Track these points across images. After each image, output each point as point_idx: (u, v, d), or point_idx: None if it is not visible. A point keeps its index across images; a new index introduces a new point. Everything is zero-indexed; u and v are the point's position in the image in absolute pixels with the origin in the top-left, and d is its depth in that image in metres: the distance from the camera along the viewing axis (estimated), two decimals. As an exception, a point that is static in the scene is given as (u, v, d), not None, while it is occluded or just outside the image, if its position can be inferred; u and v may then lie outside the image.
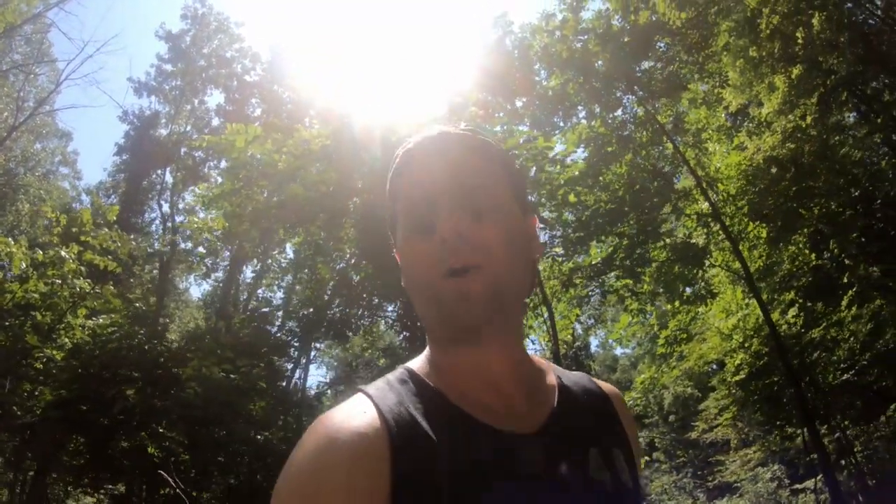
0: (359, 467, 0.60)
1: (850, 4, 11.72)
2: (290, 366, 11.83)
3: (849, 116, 11.06)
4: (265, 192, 9.06)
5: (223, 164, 11.32)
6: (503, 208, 0.74)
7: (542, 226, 8.65)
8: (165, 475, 5.47)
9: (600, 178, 8.62)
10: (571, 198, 7.74)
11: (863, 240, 9.65)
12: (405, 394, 0.70)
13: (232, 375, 9.39)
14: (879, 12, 12.62)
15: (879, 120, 10.59)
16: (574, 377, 0.86)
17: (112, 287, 9.79)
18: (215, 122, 18.04)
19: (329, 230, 9.07)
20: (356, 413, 0.66)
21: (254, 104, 16.82)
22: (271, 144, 8.65)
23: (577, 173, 7.58)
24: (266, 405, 11.17)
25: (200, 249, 11.15)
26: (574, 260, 8.72)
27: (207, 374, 8.91)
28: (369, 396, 0.69)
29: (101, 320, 9.26)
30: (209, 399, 8.77)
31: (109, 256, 9.46)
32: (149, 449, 8.43)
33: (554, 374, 0.83)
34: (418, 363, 0.77)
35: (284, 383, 11.82)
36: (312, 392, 11.74)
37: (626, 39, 8.93)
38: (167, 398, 8.44)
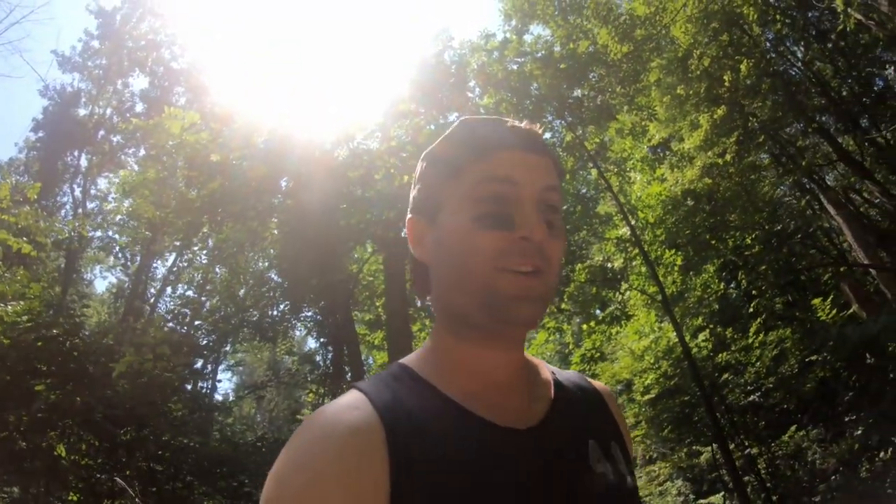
0: (354, 462, 0.59)
1: (773, 54, 12.54)
2: (207, 370, 11.35)
3: (764, 157, 11.79)
4: (191, 184, 8.67)
5: (142, 152, 10.74)
6: (561, 222, 0.76)
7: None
8: (123, 483, 4.98)
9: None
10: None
11: (769, 273, 10.30)
12: (399, 389, 0.70)
13: (168, 374, 8.85)
14: (800, 64, 13.58)
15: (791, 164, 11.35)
16: (567, 374, 0.86)
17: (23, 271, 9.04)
18: (139, 107, 17.14)
19: (255, 228, 8.77)
20: (350, 408, 0.65)
21: (179, 93, 16.12)
22: (207, 134, 8.28)
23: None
24: (184, 408, 10.61)
25: (122, 238, 10.48)
26: None
27: (141, 371, 8.32)
28: (362, 391, 0.68)
29: (10, 308, 8.43)
30: (138, 398, 8.20)
31: (24, 238, 8.71)
32: (56, 450, 7.73)
33: (548, 370, 0.83)
34: (414, 359, 0.76)
35: (202, 387, 11.30)
36: (230, 397, 11.33)
37: (562, 66, 9.16)
38: (88, 395, 7.79)
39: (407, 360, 0.77)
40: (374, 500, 0.59)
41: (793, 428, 9.44)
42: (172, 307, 11.28)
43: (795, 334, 9.86)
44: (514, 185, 0.71)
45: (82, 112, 17.74)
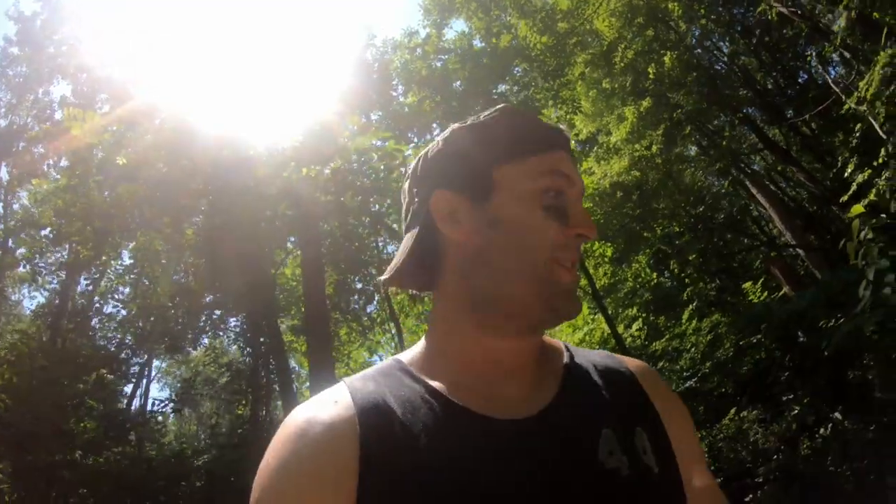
0: (326, 454, 0.61)
1: (699, 50, 12.85)
2: (129, 387, 10.83)
3: (691, 149, 12.04)
4: (106, 193, 8.27)
5: (63, 162, 10.27)
6: None
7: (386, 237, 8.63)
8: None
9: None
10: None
11: (701, 260, 10.45)
12: (386, 383, 0.69)
13: (66, 389, 8.33)
14: (725, 59, 13.95)
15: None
16: (591, 355, 0.81)
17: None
18: (59, 115, 16.39)
19: (171, 235, 8.40)
20: (328, 402, 0.67)
21: (102, 100, 15.42)
22: (110, 136, 7.90)
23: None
24: (97, 426, 10.06)
25: (21, 250, 9.94)
26: None
27: (21, 386, 7.82)
28: (346, 385, 0.69)
29: None
30: (22, 415, 7.70)
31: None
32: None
33: (565, 353, 0.79)
34: (410, 354, 0.75)
35: (124, 404, 10.77)
36: (154, 410, 10.86)
37: (485, 61, 9.11)
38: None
39: (402, 354, 0.76)
40: (342, 496, 0.60)
41: (732, 410, 9.54)
42: (89, 320, 10.73)
43: (729, 318, 10.01)
44: (570, 182, 0.72)
45: (2, 122, 16.87)
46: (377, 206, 8.29)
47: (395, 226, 8.26)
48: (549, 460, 0.63)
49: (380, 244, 9.60)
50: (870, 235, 4.58)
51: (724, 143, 11.70)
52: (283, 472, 0.61)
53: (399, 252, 0.77)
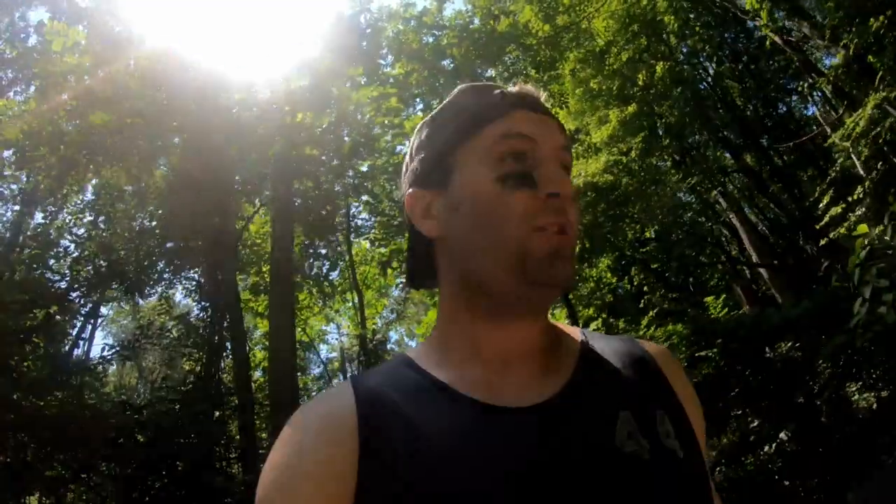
0: (324, 453, 0.61)
1: (686, 66, 13.07)
2: (73, 331, 10.44)
3: (666, 161, 12.26)
4: (76, 122, 7.93)
5: (32, 89, 9.84)
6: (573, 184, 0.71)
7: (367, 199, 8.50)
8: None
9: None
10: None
11: (662, 270, 10.68)
12: (391, 377, 0.69)
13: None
14: (710, 79, 14.25)
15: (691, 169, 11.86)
16: (610, 340, 0.78)
17: None
18: (33, 39, 15.66)
19: (138, 174, 8.12)
20: (331, 396, 0.69)
21: (81, 29, 14.78)
22: (91, 58, 7.58)
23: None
24: (42, 366, 9.64)
25: None
26: (396, 242, 8.60)
27: None
28: (350, 380, 0.70)
29: None
30: None
31: None
32: None
33: (579, 337, 0.76)
34: (417, 349, 0.74)
35: (67, 347, 10.37)
36: (102, 357, 10.44)
37: (481, 40, 9.07)
38: None
39: (409, 350, 0.76)
40: (342, 490, 0.60)
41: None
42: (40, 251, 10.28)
43: (685, 329, 10.21)
44: (533, 142, 0.68)
45: (-30, 45, 15.99)
46: (363, 167, 8.19)
47: (376, 190, 8.18)
48: (561, 447, 0.61)
49: (353, 210, 9.54)
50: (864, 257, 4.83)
51: (702, 159, 11.97)
52: (285, 467, 0.62)
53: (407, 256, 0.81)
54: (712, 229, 12.66)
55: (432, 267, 0.75)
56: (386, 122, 7.40)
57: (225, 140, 7.48)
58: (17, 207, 13.51)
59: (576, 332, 0.78)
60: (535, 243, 0.65)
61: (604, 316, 9.84)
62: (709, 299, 10.59)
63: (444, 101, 0.75)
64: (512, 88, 0.74)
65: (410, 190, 0.73)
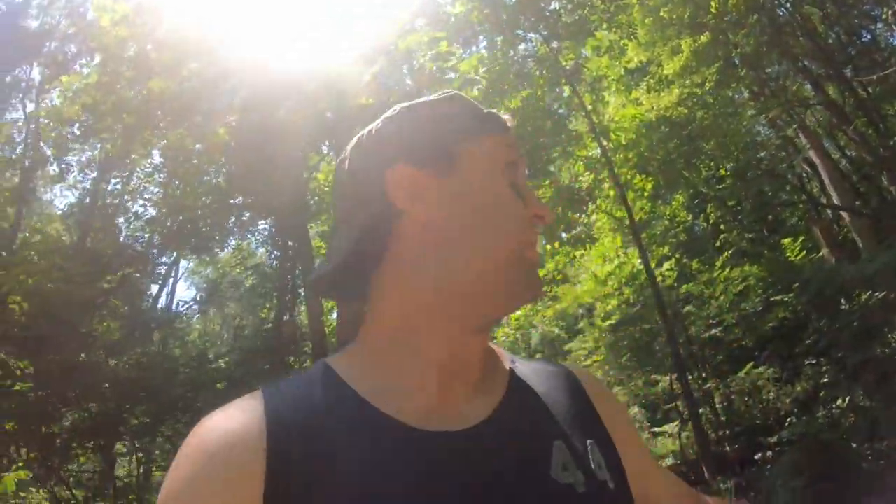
0: (228, 478, 0.54)
1: (763, -10, 12.11)
2: (154, 286, 10.93)
3: (743, 92, 11.52)
4: (133, 85, 8.12)
5: (97, 60, 10.09)
6: None
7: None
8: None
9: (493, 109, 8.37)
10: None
11: (738, 208, 10.14)
12: (308, 390, 0.61)
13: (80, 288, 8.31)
14: (788, 4, 13.21)
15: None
16: (533, 364, 0.75)
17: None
18: (91, 14, 16.15)
19: (202, 134, 8.26)
20: (237, 413, 0.59)
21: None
22: (141, 29, 7.70)
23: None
24: (120, 327, 10.17)
25: (48, 148, 9.88)
26: None
27: (39, 288, 7.76)
28: (262, 393, 0.61)
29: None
30: (35, 316, 7.66)
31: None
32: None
33: (507, 359, 0.73)
34: (339, 357, 0.66)
35: (149, 303, 10.87)
36: (179, 311, 10.93)
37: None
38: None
39: (332, 357, 0.67)
40: None
41: (749, 365, 9.41)
42: (123, 223, 10.75)
43: (761, 271, 9.76)
44: (518, 164, 0.69)
45: (34, 23, 16.67)
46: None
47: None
48: (495, 474, 0.57)
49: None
50: None
51: (781, 91, 11.17)
52: (187, 493, 0.54)
53: (333, 250, 0.68)
54: (792, 166, 11.90)
55: (377, 260, 0.66)
56: (434, 67, 7.15)
57: (283, 94, 7.46)
58: (93, 174, 14.21)
59: (501, 351, 0.74)
60: (528, 254, 0.65)
61: (677, 256, 9.47)
62: (786, 241, 10.05)
63: (433, 97, 0.70)
64: (495, 112, 0.73)
65: (400, 165, 0.65)
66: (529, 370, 0.72)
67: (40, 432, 7.68)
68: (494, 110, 0.72)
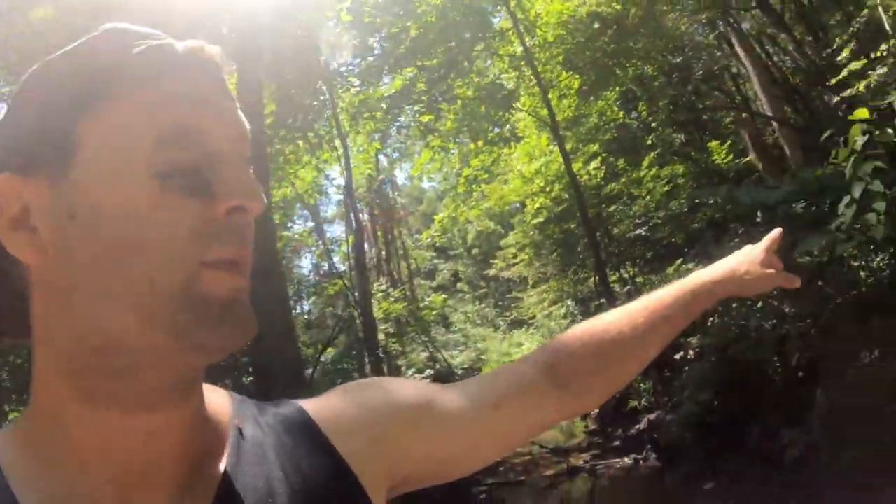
0: None
1: None
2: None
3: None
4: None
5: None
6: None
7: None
8: None
9: (412, 4, 8.00)
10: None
11: (671, 107, 10.08)
12: None
13: None
14: None
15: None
16: (265, 416, 0.54)
17: None
18: None
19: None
20: None
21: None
22: None
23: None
24: None
25: None
26: (366, 91, 8.14)
27: None
28: None
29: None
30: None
31: None
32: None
33: (232, 420, 0.51)
34: (6, 435, 0.46)
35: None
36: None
37: None
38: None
39: None
40: None
41: (678, 261, 9.63)
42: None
43: (689, 171, 9.84)
44: (202, 132, 0.42)
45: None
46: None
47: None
48: None
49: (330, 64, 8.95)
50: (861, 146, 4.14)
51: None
52: None
53: None
54: (728, 66, 11.81)
55: (24, 317, 0.45)
56: None
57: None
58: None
59: (226, 408, 0.53)
60: (206, 285, 0.41)
61: (604, 155, 9.45)
62: (713, 144, 10.08)
63: (78, 43, 0.44)
64: (180, 43, 0.44)
65: (4, 175, 0.42)
66: (257, 430, 0.53)
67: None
68: (164, 39, 0.44)
